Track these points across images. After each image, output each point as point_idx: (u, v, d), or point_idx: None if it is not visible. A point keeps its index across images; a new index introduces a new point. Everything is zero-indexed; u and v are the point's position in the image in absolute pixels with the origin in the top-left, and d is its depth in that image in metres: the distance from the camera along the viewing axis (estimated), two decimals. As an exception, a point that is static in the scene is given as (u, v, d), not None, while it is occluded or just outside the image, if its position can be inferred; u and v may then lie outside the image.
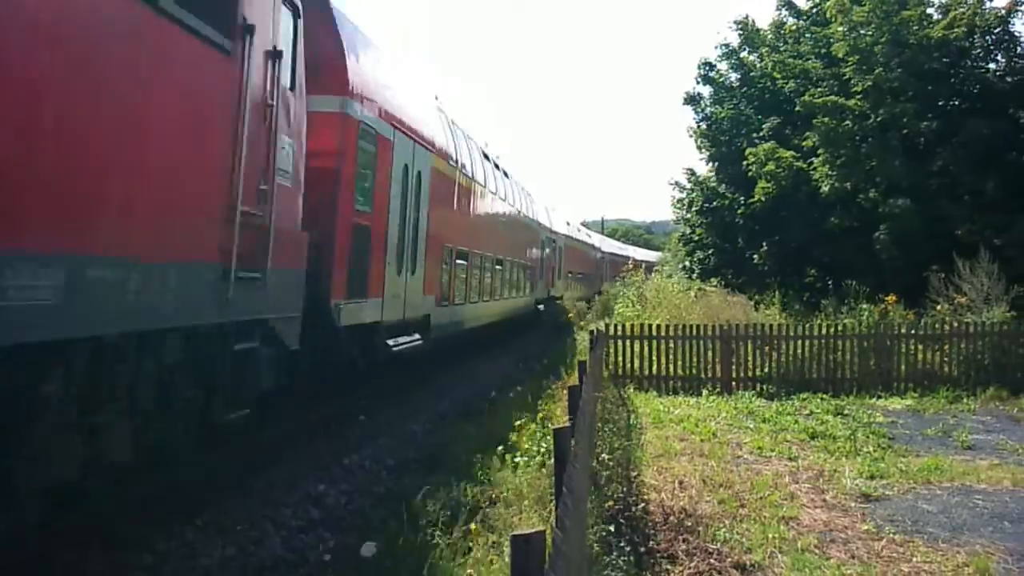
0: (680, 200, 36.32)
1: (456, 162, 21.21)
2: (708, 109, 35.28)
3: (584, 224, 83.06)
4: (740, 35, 35.12)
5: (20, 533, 7.76)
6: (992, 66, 29.32)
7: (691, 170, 36.00)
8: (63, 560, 7.84)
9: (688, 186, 35.79)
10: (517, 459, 10.98)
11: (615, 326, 20.52)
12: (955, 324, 19.50)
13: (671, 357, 19.33)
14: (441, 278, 19.75)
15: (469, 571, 6.88)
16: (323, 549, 8.91)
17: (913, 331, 19.41)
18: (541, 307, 38.80)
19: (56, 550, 7.93)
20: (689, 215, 35.82)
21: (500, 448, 11.45)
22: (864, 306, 22.47)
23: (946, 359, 18.92)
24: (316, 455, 12.68)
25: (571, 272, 51.28)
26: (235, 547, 8.69)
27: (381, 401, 16.96)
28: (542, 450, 10.87)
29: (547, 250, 40.19)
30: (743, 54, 35.18)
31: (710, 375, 19.06)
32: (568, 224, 53.00)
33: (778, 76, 32.18)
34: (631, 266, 42.81)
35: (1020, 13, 28.58)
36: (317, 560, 8.62)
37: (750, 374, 19.03)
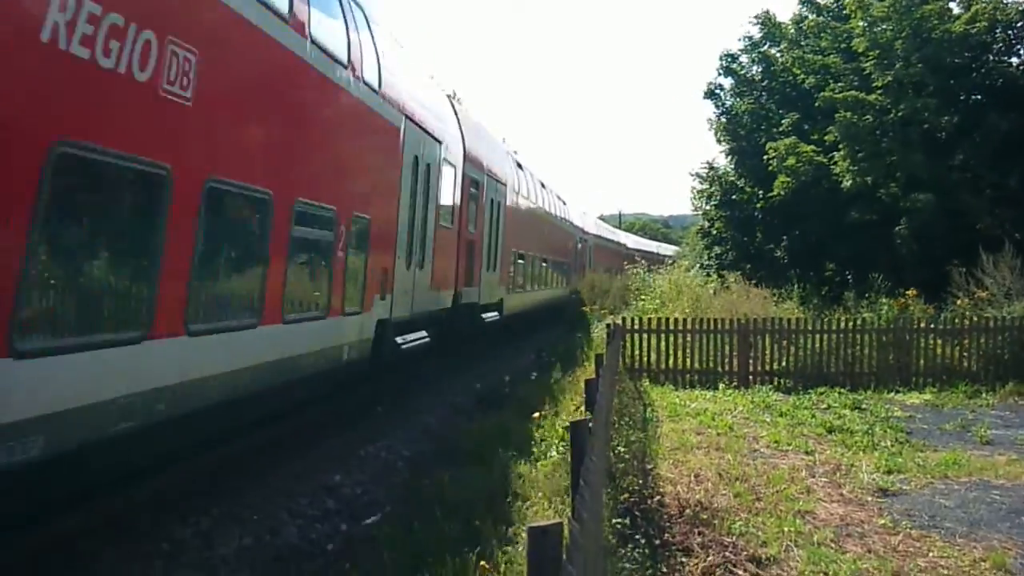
0: (700, 192, 36.22)
1: None
2: (728, 102, 35.25)
3: (601, 218, 78.85)
4: (761, 29, 35.03)
5: (39, 523, 7.84)
6: (1014, 60, 29.13)
7: (710, 163, 35.95)
8: (82, 549, 7.90)
9: (707, 179, 35.70)
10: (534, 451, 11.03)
11: (632, 319, 20.47)
12: (975, 318, 19.39)
13: (688, 351, 19.29)
14: None
15: (483, 563, 6.88)
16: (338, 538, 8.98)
17: (932, 325, 19.30)
18: (419, 340, 16.38)
19: (75, 539, 8.00)
20: (708, 208, 35.73)
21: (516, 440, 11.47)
22: (883, 300, 22.36)
23: (965, 354, 18.81)
24: (332, 446, 12.74)
25: (523, 254, 29.81)
26: (251, 536, 8.75)
27: (397, 393, 17.00)
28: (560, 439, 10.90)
29: (456, 199, 19.87)
30: (764, 48, 35.09)
31: (727, 369, 19.01)
32: (522, 169, 30.54)
33: (798, 71, 32.11)
34: (637, 259, 39.00)
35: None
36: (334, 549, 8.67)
37: (767, 368, 18.96)
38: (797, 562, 7.72)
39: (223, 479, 10.28)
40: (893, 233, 26.48)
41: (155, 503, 9.16)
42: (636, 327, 19.66)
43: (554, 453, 10.82)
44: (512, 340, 28.34)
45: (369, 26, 13.67)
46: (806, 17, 35.05)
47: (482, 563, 6.82)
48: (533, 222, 32.42)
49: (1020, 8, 28.11)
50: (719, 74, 35.96)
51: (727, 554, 7.86)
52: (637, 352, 19.30)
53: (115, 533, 8.33)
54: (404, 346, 15.54)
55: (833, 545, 8.18)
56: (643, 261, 40.30)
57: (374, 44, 13.75)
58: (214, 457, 10.74)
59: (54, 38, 6.03)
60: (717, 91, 35.85)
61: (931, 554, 8.03)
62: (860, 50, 28.80)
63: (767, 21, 34.96)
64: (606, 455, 9.28)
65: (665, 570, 7.42)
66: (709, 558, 7.75)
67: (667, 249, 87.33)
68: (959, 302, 21.30)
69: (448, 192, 18.92)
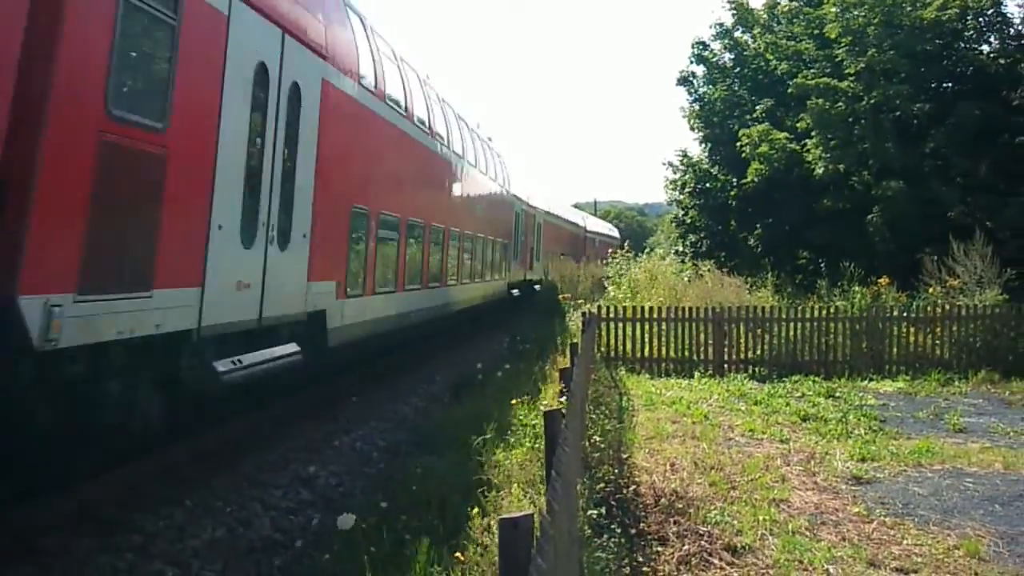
0: (673, 181, 36.25)
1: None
2: (701, 90, 35.27)
3: (576, 206, 72.79)
4: (734, 15, 35.05)
5: (7, 515, 7.74)
6: (985, 48, 29.29)
7: (684, 151, 35.98)
8: (50, 542, 7.81)
9: (681, 167, 35.73)
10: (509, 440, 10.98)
11: (608, 308, 20.47)
12: (947, 307, 19.50)
13: (664, 339, 19.30)
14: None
15: (457, 553, 6.84)
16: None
17: (905, 314, 19.41)
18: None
19: (43, 532, 7.90)
20: (682, 197, 35.75)
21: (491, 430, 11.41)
22: (856, 288, 22.45)
23: (938, 342, 18.92)
24: (307, 436, 12.65)
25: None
26: (224, 528, 8.66)
27: (373, 382, 16.93)
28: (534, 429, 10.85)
29: None
30: (737, 34, 35.12)
31: (702, 357, 19.03)
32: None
33: (771, 57, 32.20)
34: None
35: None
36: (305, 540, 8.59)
37: (742, 356, 19.00)
38: (772, 551, 7.72)
39: (196, 470, 10.19)
40: (866, 221, 26.62)
41: (127, 494, 9.07)
42: (611, 315, 19.65)
43: (529, 442, 10.78)
44: (485, 328, 28.34)
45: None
46: (779, 2, 35.10)
47: (456, 554, 6.78)
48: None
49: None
50: (691, 62, 36.01)
51: (702, 543, 7.85)
52: (613, 341, 19.30)
53: (85, 525, 8.24)
54: None
55: (808, 533, 8.20)
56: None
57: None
58: (186, 448, 10.65)
59: None
60: (690, 78, 35.89)
61: (905, 542, 8.06)
62: (833, 36, 28.89)
63: (739, 7, 34.97)
64: (581, 445, 9.26)
65: (641, 559, 7.40)
66: (685, 547, 7.73)
67: (596, 225, 67.84)
68: (931, 290, 21.43)
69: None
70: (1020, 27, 28.66)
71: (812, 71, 29.61)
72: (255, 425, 12.40)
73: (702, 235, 34.73)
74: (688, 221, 35.52)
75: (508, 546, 3.50)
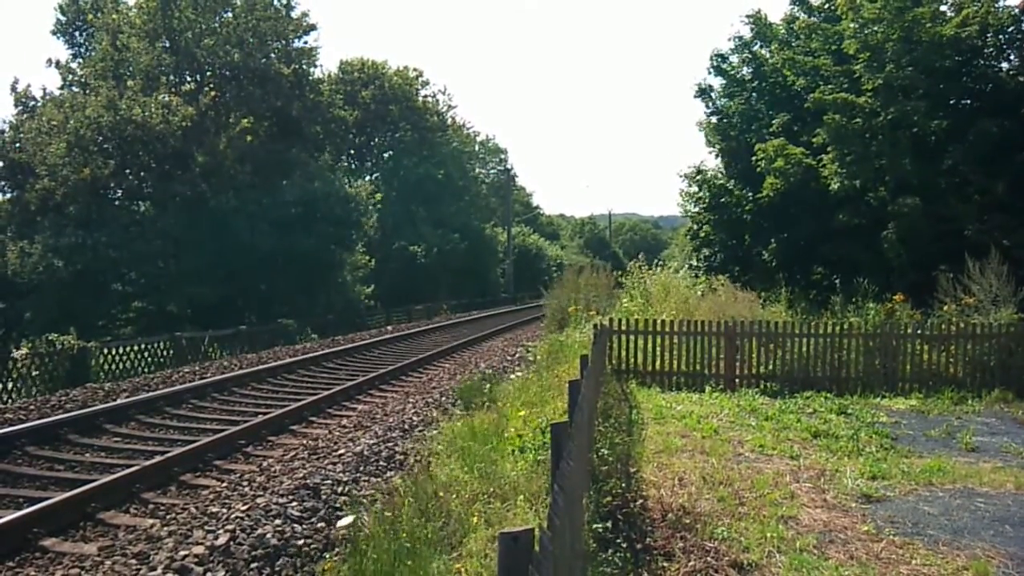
0: (688, 195, 36.20)
1: None
2: (719, 102, 35.27)
3: (591, 218, 72.66)
4: (752, 29, 35.06)
5: (11, 517, 7.73)
6: (1004, 65, 29.12)
7: (698, 167, 35.95)
8: (54, 544, 7.81)
9: (696, 181, 35.68)
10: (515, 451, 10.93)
11: (619, 320, 20.38)
12: (962, 325, 19.33)
13: (675, 353, 19.20)
14: None
15: (458, 565, 6.79)
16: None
17: (919, 331, 19.23)
18: None
19: (47, 534, 7.90)
20: (697, 210, 35.67)
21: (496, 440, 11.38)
22: (871, 305, 22.32)
23: (952, 360, 18.74)
24: (314, 443, 12.64)
25: None
26: (227, 535, 8.64)
27: (379, 389, 16.92)
28: (542, 439, 10.81)
29: None
30: (755, 48, 35.13)
31: (714, 371, 18.90)
32: None
33: (788, 73, 32.11)
34: None
35: (1034, 12, 28.36)
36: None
37: (754, 371, 18.86)
38: (779, 568, 7.64)
39: (200, 476, 10.19)
40: (881, 237, 26.49)
41: (131, 498, 9.07)
42: (623, 328, 19.56)
43: (535, 454, 10.73)
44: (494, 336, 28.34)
45: None
46: (797, 18, 35.07)
47: (456, 566, 6.74)
48: None
49: (1011, 12, 28.08)
50: (709, 73, 36.10)
51: (709, 559, 7.77)
52: (624, 353, 19.22)
53: (88, 529, 8.23)
54: None
55: (816, 551, 8.11)
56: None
57: None
58: (190, 453, 10.66)
59: None
60: (708, 91, 35.90)
61: (914, 562, 7.96)
62: (851, 52, 28.79)
63: (758, 21, 34.97)
64: (588, 458, 9.20)
65: (646, 575, 7.33)
66: (691, 563, 7.66)
67: None
68: (946, 308, 21.28)
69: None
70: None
71: (830, 87, 29.51)
72: (260, 430, 12.40)
73: (716, 249, 34.64)
74: (702, 235, 35.40)
75: (508, 561, 3.46)
